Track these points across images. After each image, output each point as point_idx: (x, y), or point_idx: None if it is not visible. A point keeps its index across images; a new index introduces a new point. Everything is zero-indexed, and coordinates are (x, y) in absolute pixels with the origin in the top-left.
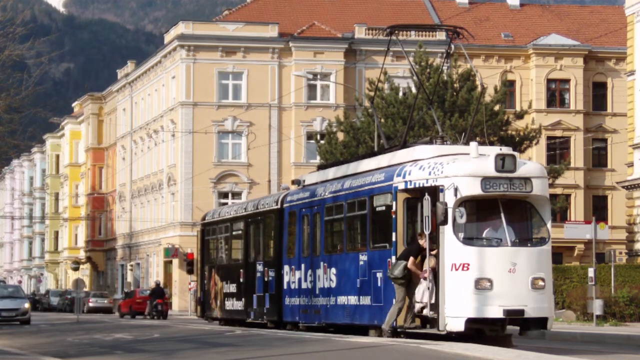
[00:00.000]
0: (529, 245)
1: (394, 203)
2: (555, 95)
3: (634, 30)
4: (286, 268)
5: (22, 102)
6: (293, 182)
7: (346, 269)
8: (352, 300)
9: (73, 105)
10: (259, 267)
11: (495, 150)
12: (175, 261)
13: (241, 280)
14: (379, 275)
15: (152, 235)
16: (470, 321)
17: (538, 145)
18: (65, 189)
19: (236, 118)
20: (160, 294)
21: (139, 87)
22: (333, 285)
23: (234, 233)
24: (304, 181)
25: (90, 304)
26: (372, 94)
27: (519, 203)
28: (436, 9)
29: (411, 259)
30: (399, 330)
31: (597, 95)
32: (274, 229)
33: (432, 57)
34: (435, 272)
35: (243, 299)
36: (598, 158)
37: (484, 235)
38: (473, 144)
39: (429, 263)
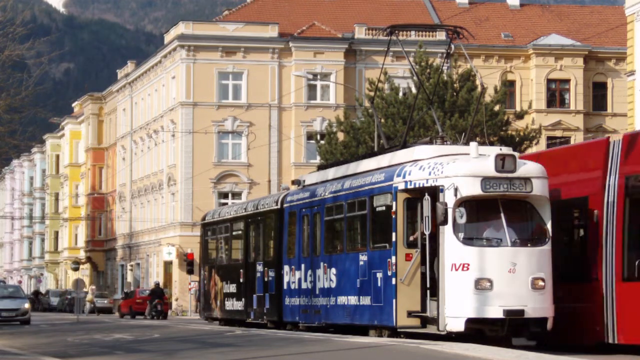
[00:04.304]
0: (529, 245)
1: (394, 203)
2: (555, 95)
3: (633, 30)
4: (286, 268)
5: (22, 102)
6: (293, 182)
7: (346, 269)
8: (352, 300)
9: (73, 105)
10: (259, 267)
11: (495, 150)
12: (175, 261)
13: (241, 280)
14: (379, 275)
15: (152, 235)
16: (470, 321)
17: (538, 145)
18: (65, 189)
19: (236, 118)
20: (159, 295)
21: (139, 87)
22: (333, 285)
23: (234, 233)
24: (304, 181)
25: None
26: (372, 94)
27: (519, 203)
28: (436, 9)
29: None
30: (399, 330)
31: (597, 95)
32: (274, 229)
33: (432, 57)
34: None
35: (243, 299)
36: None
37: (484, 235)
38: (473, 144)
39: (428, 262)
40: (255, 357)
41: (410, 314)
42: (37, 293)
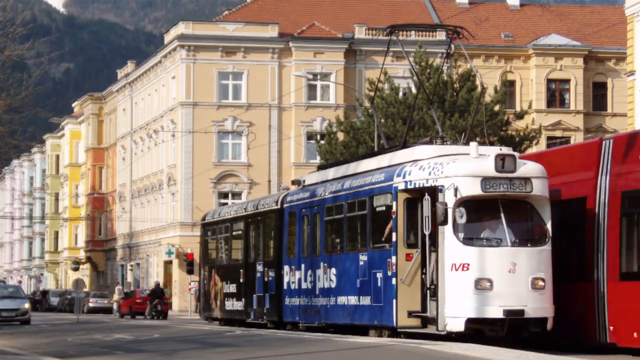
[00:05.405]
0: (529, 245)
1: (394, 203)
2: (555, 95)
3: (633, 30)
4: (286, 268)
5: (22, 102)
6: (293, 182)
7: (346, 269)
8: (352, 300)
9: (73, 105)
10: (259, 267)
11: (495, 150)
12: (175, 261)
13: (241, 280)
14: (379, 275)
15: (152, 235)
16: (470, 321)
17: (538, 145)
18: (65, 189)
19: (236, 118)
20: (159, 295)
21: (139, 87)
22: (333, 285)
23: (234, 233)
24: (304, 181)
25: (90, 304)
26: (372, 94)
27: (518, 203)
28: (436, 9)
29: None
30: (399, 330)
31: (597, 95)
32: (274, 229)
33: (432, 57)
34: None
35: (243, 299)
36: None
37: (484, 235)
38: (473, 144)
39: (429, 263)
40: (255, 357)
41: (410, 314)
42: (44, 293)
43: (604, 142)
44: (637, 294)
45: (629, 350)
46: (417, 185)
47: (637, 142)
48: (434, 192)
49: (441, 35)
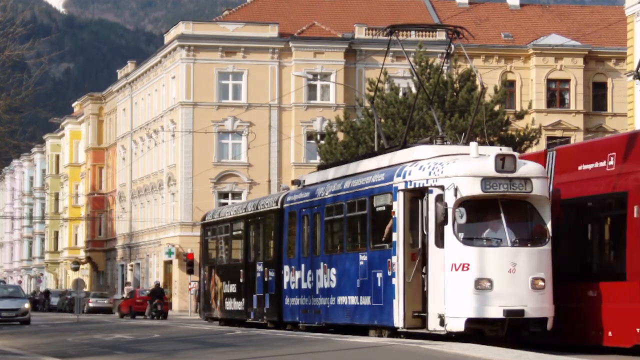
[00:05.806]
0: (529, 245)
1: (394, 203)
2: (555, 95)
3: (633, 30)
4: (286, 268)
5: (22, 102)
6: (293, 182)
7: (346, 269)
8: (352, 300)
9: (73, 105)
10: (259, 267)
11: (495, 150)
12: (175, 261)
13: (241, 280)
14: (379, 275)
15: (152, 235)
16: (470, 321)
17: (538, 145)
18: (65, 189)
19: (236, 118)
20: (159, 295)
21: (139, 87)
22: (333, 285)
23: (234, 233)
24: (304, 181)
25: (90, 304)
26: (372, 94)
27: (518, 203)
28: (436, 9)
29: None
30: (399, 330)
31: (597, 95)
32: (274, 229)
33: (432, 57)
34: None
35: (243, 299)
36: None
37: (484, 235)
38: (473, 144)
39: (428, 263)
40: (255, 357)
41: (412, 314)
42: (46, 293)
43: (548, 153)
44: (576, 294)
45: (629, 351)
46: (417, 185)
47: (577, 154)
48: (433, 192)
49: (441, 35)
